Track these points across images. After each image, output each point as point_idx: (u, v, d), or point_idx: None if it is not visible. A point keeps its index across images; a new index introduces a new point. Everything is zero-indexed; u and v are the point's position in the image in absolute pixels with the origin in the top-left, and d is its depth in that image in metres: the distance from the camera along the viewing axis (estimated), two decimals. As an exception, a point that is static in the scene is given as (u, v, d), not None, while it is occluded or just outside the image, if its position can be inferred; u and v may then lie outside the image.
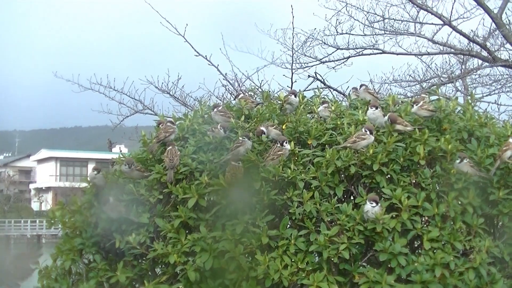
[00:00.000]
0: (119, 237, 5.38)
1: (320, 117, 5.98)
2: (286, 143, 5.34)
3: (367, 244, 5.03)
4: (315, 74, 11.48)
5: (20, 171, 78.64)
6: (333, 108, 6.01)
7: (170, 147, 5.52)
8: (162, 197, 5.45)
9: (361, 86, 6.80)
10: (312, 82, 11.37)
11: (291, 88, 10.38)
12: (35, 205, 71.01)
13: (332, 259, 4.86)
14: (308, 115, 6.16)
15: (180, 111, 10.23)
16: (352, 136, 5.27)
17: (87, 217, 5.70)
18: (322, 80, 11.44)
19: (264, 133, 5.59)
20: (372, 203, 4.88)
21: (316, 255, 4.98)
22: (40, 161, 74.84)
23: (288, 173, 5.16)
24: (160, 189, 5.47)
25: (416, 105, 5.64)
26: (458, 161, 5.19)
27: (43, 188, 71.39)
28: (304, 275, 4.82)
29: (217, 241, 5.00)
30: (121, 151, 11.58)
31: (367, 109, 5.70)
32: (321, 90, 7.69)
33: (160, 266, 5.47)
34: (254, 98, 7.27)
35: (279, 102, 6.30)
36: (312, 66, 12.21)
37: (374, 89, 11.94)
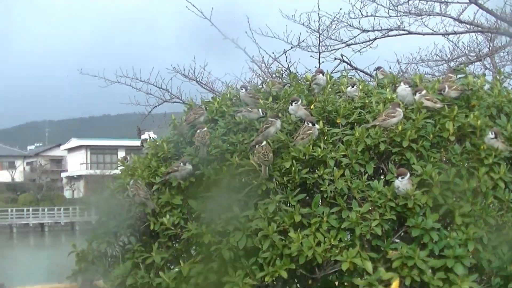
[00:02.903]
0: (153, 219, 5.48)
1: (348, 96, 5.98)
2: (315, 122, 5.36)
3: (399, 220, 5.04)
4: (341, 56, 11.45)
5: (51, 160, 79.76)
6: (360, 87, 6.01)
7: (201, 129, 5.58)
8: (194, 179, 5.53)
9: (378, 68, 6.88)
10: (338, 64, 11.35)
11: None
12: (67, 193, 72.05)
13: (365, 236, 4.89)
14: (335, 95, 6.17)
15: (208, 98, 10.32)
16: (382, 114, 5.27)
17: (121, 201, 5.80)
18: (349, 62, 11.41)
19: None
20: (402, 176, 4.90)
21: (348, 232, 5.01)
22: (71, 150, 75.79)
23: (318, 151, 5.19)
24: (192, 171, 5.55)
25: (444, 91, 5.61)
26: (492, 135, 5.17)
27: (75, 176, 72.31)
28: (338, 251, 4.84)
29: (250, 220, 5.06)
30: (150, 137, 11.73)
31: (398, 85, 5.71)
32: (348, 71, 7.67)
33: (194, 247, 5.55)
34: (281, 79, 7.31)
35: (306, 82, 6.31)
36: (338, 49, 12.07)
37: (401, 69, 11.90)
